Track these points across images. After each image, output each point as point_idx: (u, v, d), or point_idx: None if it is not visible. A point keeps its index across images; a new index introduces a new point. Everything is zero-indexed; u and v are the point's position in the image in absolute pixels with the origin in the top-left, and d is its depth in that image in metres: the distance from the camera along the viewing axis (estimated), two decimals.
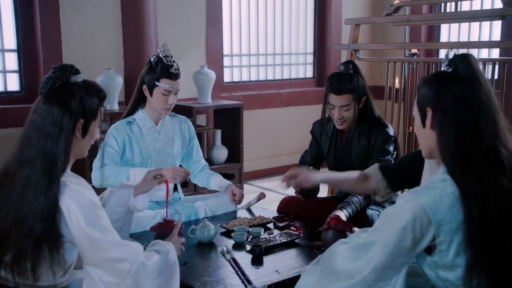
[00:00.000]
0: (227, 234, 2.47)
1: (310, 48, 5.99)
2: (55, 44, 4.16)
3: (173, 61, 2.74)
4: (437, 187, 1.50)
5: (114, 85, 4.15)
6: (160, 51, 2.76)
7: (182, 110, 4.23)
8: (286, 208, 2.85)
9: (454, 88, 1.52)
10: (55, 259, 1.61)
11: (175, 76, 2.74)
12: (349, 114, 2.68)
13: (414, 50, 5.04)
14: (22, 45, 4.16)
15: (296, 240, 2.38)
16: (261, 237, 2.39)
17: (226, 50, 5.29)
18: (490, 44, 4.47)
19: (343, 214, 2.42)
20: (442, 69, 1.59)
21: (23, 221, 1.59)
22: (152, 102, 2.79)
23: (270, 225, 2.60)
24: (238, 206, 2.90)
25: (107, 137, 2.74)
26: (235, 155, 4.79)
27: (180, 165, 2.97)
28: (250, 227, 2.49)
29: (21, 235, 1.59)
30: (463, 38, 5.57)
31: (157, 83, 2.72)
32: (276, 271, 2.07)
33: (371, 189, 2.28)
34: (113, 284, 1.63)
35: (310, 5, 5.90)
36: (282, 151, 5.62)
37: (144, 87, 2.77)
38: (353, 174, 2.32)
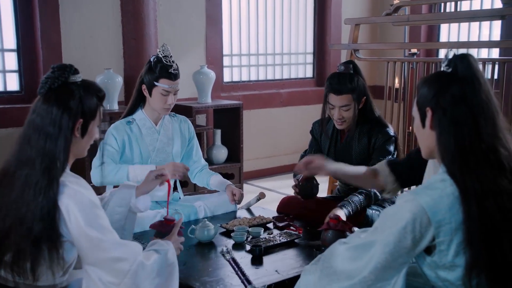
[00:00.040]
0: (227, 234, 2.47)
1: (309, 48, 5.99)
2: (55, 44, 4.16)
3: (172, 61, 2.74)
4: (436, 187, 1.50)
5: (114, 85, 4.14)
6: (159, 51, 2.76)
7: (182, 110, 4.23)
8: (285, 208, 2.85)
9: (453, 88, 1.52)
10: (55, 259, 1.61)
11: (174, 77, 2.74)
12: (349, 114, 2.67)
13: (414, 50, 5.04)
14: (22, 45, 4.16)
15: (295, 240, 2.38)
16: (261, 237, 2.39)
17: (225, 50, 5.29)
18: (489, 44, 4.47)
19: (342, 213, 2.42)
20: (442, 69, 1.59)
21: (22, 221, 1.59)
22: (151, 102, 2.78)
23: (270, 225, 2.60)
24: (238, 206, 2.90)
25: (106, 136, 2.74)
26: (234, 155, 4.79)
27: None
28: (249, 227, 2.49)
29: (21, 235, 1.59)
30: (463, 38, 5.57)
31: (156, 83, 2.72)
32: (276, 271, 2.07)
33: (380, 185, 2.27)
34: (112, 284, 1.63)
35: (310, 5, 5.90)
36: (282, 151, 5.62)
37: (143, 87, 2.77)
38: (362, 169, 2.31)
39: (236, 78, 5.46)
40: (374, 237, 1.54)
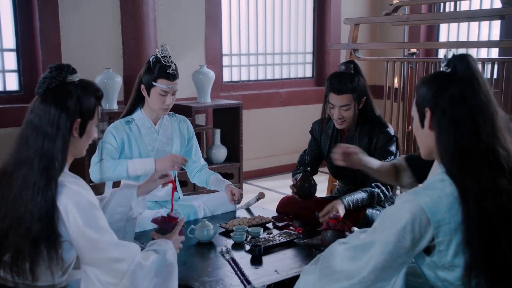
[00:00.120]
0: (226, 234, 2.47)
1: (309, 47, 5.98)
2: (54, 43, 4.16)
3: (171, 62, 2.74)
4: (436, 187, 1.49)
5: (113, 85, 4.14)
6: (158, 51, 2.75)
7: (181, 109, 4.23)
8: (285, 208, 2.85)
9: (452, 88, 1.52)
10: (53, 259, 1.60)
11: (172, 77, 2.73)
12: (349, 114, 2.67)
13: (413, 50, 5.04)
14: (21, 45, 4.16)
15: (295, 240, 2.38)
16: (260, 237, 2.39)
17: (225, 49, 5.29)
18: (489, 44, 4.47)
19: (342, 206, 2.42)
20: (441, 69, 1.59)
21: (21, 221, 1.59)
22: (150, 102, 2.78)
23: (269, 225, 2.60)
24: (237, 205, 2.90)
25: (105, 135, 2.74)
26: (234, 154, 4.78)
27: None
28: (249, 227, 2.49)
29: (19, 235, 1.59)
30: (462, 38, 5.57)
31: (154, 83, 2.72)
32: (275, 271, 2.07)
33: (399, 180, 2.23)
34: (110, 284, 1.63)
35: (309, 4, 5.90)
36: (281, 150, 5.62)
37: (142, 87, 2.77)
38: (386, 163, 2.29)
39: (235, 78, 5.46)
40: (373, 237, 1.54)
